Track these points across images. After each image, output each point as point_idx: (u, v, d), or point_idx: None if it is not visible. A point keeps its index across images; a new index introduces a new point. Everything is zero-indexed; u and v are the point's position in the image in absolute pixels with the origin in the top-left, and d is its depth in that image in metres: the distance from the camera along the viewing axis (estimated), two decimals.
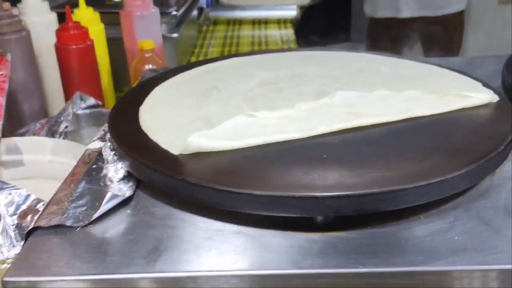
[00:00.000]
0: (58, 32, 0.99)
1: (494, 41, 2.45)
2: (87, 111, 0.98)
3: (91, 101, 0.98)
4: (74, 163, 0.58)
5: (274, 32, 1.89)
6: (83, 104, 0.97)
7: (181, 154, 0.50)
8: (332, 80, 0.66)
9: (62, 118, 0.91)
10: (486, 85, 0.64)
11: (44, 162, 0.80)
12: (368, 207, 0.43)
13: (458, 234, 0.44)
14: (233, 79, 0.68)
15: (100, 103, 0.99)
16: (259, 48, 1.72)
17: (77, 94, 0.96)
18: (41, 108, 1.05)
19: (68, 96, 1.04)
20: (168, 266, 0.41)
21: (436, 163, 0.47)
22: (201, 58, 1.62)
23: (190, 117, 0.58)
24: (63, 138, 0.85)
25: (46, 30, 1.04)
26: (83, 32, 1.00)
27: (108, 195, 0.47)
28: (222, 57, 0.78)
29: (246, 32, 1.90)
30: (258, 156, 0.50)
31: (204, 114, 0.58)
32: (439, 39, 1.91)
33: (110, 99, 1.16)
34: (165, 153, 0.51)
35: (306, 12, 2.05)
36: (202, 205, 0.46)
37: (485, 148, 0.49)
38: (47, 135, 0.91)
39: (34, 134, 0.93)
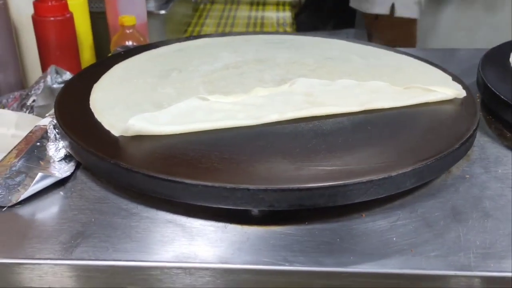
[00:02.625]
0: (36, 3, 0.97)
1: None
2: (62, 85, 0.96)
3: (68, 75, 0.96)
4: None
5: (271, 14, 1.85)
6: (59, 78, 0.95)
7: (121, 136, 0.48)
8: (298, 67, 0.64)
9: (32, 92, 0.89)
10: (456, 79, 0.61)
11: (7, 136, 0.78)
12: (304, 202, 0.41)
13: (397, 235, 0.41)
14: (197, 61, 0.65)
15: None
16: (254, 29, 1.68)
17: (52, 67, 0.94)
18: (18, 80, 1.03)
19: (45, 70, 1.02)
20: (88, 254, 0.39)
21: (384, 159, 0.45)
22: None
23: (141, 98, 0.55)
24: (29, 112, 0.83)
25: (26, 0, 1.02)
26: (62, 4, 0.98)
27: (39, 175, 0.45)
28: (192, 37, 0.75)
29: (243, 13, 1.87)
30: (201, 142, 0.47)
31: (157, 96, 0.56)
32: None
33: None
34: (106, 134, 0.49)
35: None
36: (136, 191, 0.45)
37: (438, 146, 0.47)
38: (17, 108, 0.90)
39: (4, 107, 0.91)
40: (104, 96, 0.56)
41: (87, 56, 1.12)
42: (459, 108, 0.55)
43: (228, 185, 0.41)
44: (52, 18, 0.97)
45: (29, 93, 0.90)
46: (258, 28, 1.70)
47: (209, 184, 0.41)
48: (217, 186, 0.41)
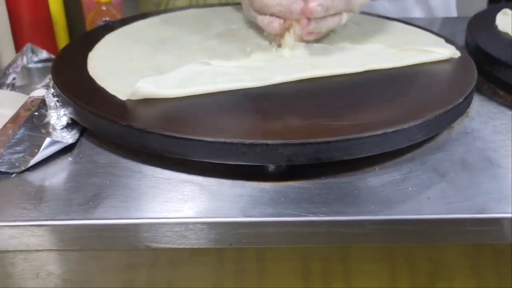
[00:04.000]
0: None
1: None
2: (39, 65, 0.92)
3: (44, 54, 0.92)
4: None
5: None
6: (35, 57, 0.92)
7: (128, 100, 0.47)
8: None
9: (10, 70, 0.85)
10: (449, 41, 0.62)
11: None
12: (322, 155, 0.42)
13: (412, 185, 0.42)
14: (190, 29, 0.64)
15: (53, 56, 0.94)
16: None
17: (28, 46, 0.90)
18: None
19: (19, 48, 0.98)
20: (109, 213, 0.38)
21: (393, 114, 0.46)
22: None
23: (141, 64, 0.54)
24: (11, 90, 0.81)
25: None
26: None
27: (47, 140, 0.44)
28: (178, 8, 0.74)
29: None
30: (210, 103, 0.47)
31: (157, 62, 0.55)
32: None
33: None
34: (112, 98, 0.48)
35: None
36: (149, 153, 0.44)
37: (444, 101, 0.48)
38: None
39: None
40: (103, 64, 0.54)
41: (61, 34, 1.08)
42: (455, 67, 0.57)
43: (247, 141, 0.41)
44: None
45: (7, 72, 0.87)
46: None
47: (228, 140, 0.41)
48: (236, 143, 0.41)
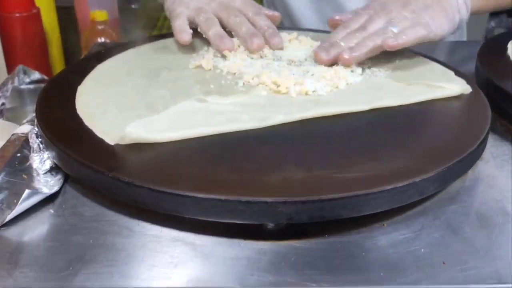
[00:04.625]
0: None
1: None
2: (31, 86, 0.89)
3: (36, 75, 0.89)
4: None
5: None
6: (26, 78, 0.89)
7: (117, 145, 0.44)
8: (294, 60, 0.60)
9: (0, 94, 0.82)
10: (458, 73, 0.59)
11: None
12: (326, 214, 0.38)
13: (425, 245, 0.39)
14: (186, 58, 0.61)
15: (46, 77, 0.90)
16: None
17: (20, 67, 0.87)
18: None
19: (11, 69, 0.95)
20: (90, 281, 0.35)
21: (402, 163, 0.42)
22: (163, 31, 1.53)
23: (133, 101, 0.51)
24: None
25: None
26: None
27: (27, 192, 0.40)
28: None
29: None
30: (205, 150, 0.44)
31: (150, 97, 0.52)
32: None
33: None
34: (100, 142, 0.44)
35: None
36: (139, 207, 0.40)
37: (457, 147, 0.44)
38: None
39: None
40: (92, 100, 0.51)
41: (55, 54, 1.06)
42: (467, 105, 0.53)
43: (244, 198, 0.37)
44: (18, 14, 0.91)
45: None
46: None
47: (223, 197, 0.37)
48: (232, 200, 0.37)
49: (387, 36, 0.56)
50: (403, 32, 0.56)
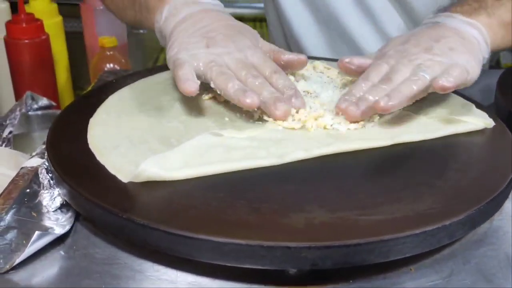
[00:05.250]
0: (8, 25, 0.89)
1: None
2: (39, 112, 0.88)
3: (44, 101, 0.88)
4: (14, 174, 0.50)
5: None
6: (34, 104, 0.88)
7: (130, 182, 0.42)
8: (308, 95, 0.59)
9: (7, 122, 0.81)
10: (479, 106, 0.57)
11: None
12: (352, 259, 0.36)
13: None
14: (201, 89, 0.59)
15: (54, 103, 0.89)
16: None
17: (28, 94, 0.86)
18: None
19: (19, 95, 0.94)
20: None
21: (429, 204, 0.40)
22: None
23: (146, 134, 0.49)
24: (6, 145, 0.76)
25: None
26: (37, 25, 0.91)
27: (36, 234, 0.39)
28: None
29: None
30: (222, 188, 0.42)
31: (163, 130, 0.50)
32: None
33: (67, 98, 1.06)
34: (112, 179, 0.42)
35: None
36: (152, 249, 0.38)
37: (486, 186, 0.42)
38: None
39: None
40: (104, 133, 0.49)
41: (63, 79, 1.05)
42: (491, 140, 0.51)
43: (265, 243, 0.35)
44: (26, 41, 0.90)
45: (4, 123, 0.82)
46: None
47: (243, 242, 0.35)
48: (252, 245, 0.35)
49: (433, 77, 0.50)
50: (444, 73, 0.50)
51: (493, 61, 2.90)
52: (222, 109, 0.55)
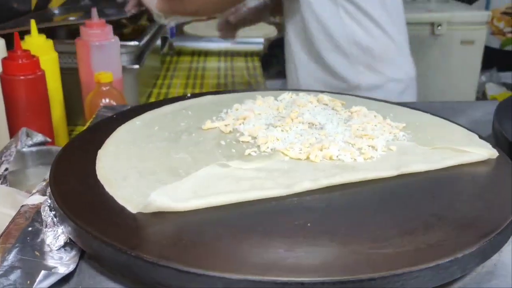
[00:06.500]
0: (4, 61, 0.89)
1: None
2: (34, 148, 0.87)
3: (39, 137, 0.88)
4: (12, 212, 0.49)
5: (240, 65, 1.82)
6: (29, 140, 0.87)
7: (139, 213, 0.41)
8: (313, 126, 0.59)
9: (3, 159, 0.80)
10: (481, 137, 0.58)
11: None
12: None
13: None
14: (205, 121, 0.59)
15: (49, 140, 0.88)
16: (225, 81, 1.65)
17: (23, 130, 0.86)
18: None
19: (13, 131, 0.93)
20: None
21: (439, 236, 0.40)
22: (163, 90, 1.53)
23: (155, 165, 0.49)
24: (2, 183, 0.75)
25: None
26: (34, 62, 0.91)
27: (42, 274, 0.38)
28: (192, 94, 0.70)
29: (212, 64, 1.83)
30: (232, 221, 0.41)
31: (172, 162, 0.50)
32: None
33: (62, 134, 1.05)
34: (119, 214, 0.42)
35: (272, 44, 1.99)
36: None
37: (494, 217, 0.42)
38: None
39: None
40: (113, 164, 0.49)
41: (57, 115, 1.04)
42: (496, 170, 0.52)
43: (279, 279, 0.34)
44: (22, 77, 0.90)
45: None
46: (229, 79, 1.67)
47: (256, 278, 0.34)
48: (266, 281, 0.34)
49: None
50: None
51: (480, 93, 2.94)
52: (228, 140, 0.55)
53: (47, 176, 0.53)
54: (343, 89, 1.06)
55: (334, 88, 1.03)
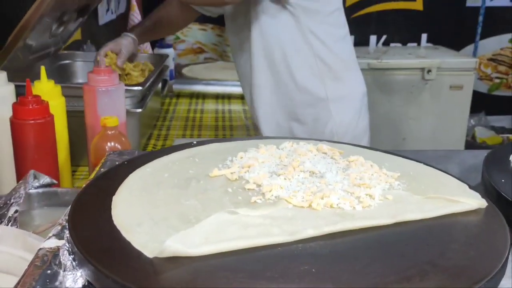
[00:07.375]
0: (15, 106, 0.93)
1: None
2: (40, 190, 0.90)
3: (46, 179, 0.91)
4: (23, 254, 0.51)
5: (237, 107, 1.88)
6: (36, 182, 0.90)
7: (155, 258, 0.45)
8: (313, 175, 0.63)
9: (12, 200, 0.82)
10: (471, 187, 0.61)
11: None
12: None
13: None
14: (213, 168, 0.63)
15: (55, 182, 0.91)
16: (223, 123, 1.69)
17: (31, 172, 0.89)
18: None
19: (20, 173, 0.96)
20: None
21: (436, 283, 0.43)
22: (163, 131, 1.57)
23: (166, 212, 0.53)
24: (12, 225, 0.77)
25: (1, 102, 0.97)
26: (43, 107, 0.94)
27: None
28: (198, 142, 0.73)
29: (210, 106, 1.88)
30: (241, 265, 0.45)
31: (182, 208, 0.54)
32: None
33: (66, 175, 1.08)
34: (136, 258, 0.45)
35: None
36: None
37: (484, 265, 0.46)
38: None
39: None
40: (128, 211, 0.53)
41: (63, 157, 1.07)
42: (485, 219, 0.55)
43: None
44: (32, 121, 0.93)
45: (8, 202, 0.83)
46: (227, 122, 1.71)
47: None
48: None
49: None
50: None
51: (469, 136, 2.99)
52: (234, 187, 0.58)
53: (59, 219, 0.56)
54: None
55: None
